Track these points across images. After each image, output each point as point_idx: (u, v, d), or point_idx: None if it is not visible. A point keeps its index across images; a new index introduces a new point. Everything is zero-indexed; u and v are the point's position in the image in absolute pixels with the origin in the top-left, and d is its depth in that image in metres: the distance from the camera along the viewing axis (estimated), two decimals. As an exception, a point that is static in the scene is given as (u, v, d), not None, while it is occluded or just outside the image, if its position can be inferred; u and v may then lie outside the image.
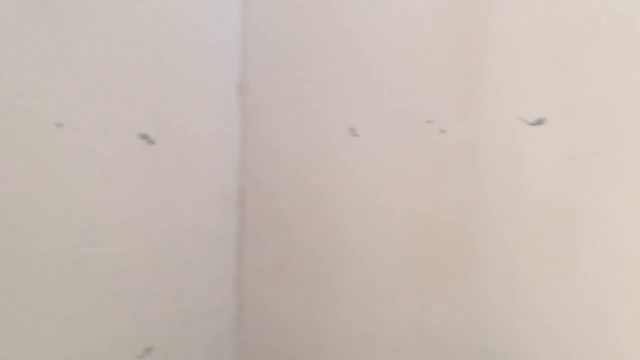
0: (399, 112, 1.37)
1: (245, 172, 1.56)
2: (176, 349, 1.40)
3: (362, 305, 1.41)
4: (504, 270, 1.26)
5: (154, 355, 1.34)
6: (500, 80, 1.27)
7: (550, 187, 1.22)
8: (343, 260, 1.44)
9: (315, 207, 1.47)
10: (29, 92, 1.18)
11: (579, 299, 1.19)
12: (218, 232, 1.52)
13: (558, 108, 1.21)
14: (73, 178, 1.24)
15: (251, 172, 1.55)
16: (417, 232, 1.35)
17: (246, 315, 1.54)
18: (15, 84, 1.16)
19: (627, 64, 1.15)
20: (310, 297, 1.46)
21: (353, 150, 1.42)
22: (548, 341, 1.21)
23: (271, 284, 1.51)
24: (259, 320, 1.52)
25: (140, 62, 1.33)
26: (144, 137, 1.32)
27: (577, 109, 1.20)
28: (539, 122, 1.23)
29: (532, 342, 1.23)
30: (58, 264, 1.24)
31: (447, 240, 1.32)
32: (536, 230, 1.23)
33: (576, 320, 1.19)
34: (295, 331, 1.48)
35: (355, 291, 1.41)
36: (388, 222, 1.38)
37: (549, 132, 1.22)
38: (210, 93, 1.50)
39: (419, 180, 1.35)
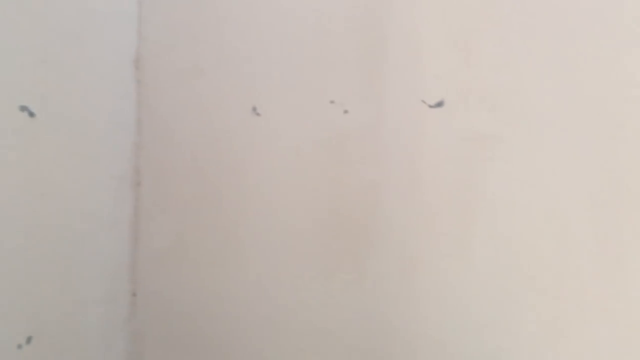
0: (302, 91, 1.34)
1: (140, 152, 1.48)
2: (63, 338, 1.32)
3: (262, 289, 1.38)
4: (403, 252, 1.26)
5: (34, 344, 1.25)
6: (402, 63, 1.27)
7: (449, 169, 1.24)
8: (243, 243, 1.40)
9: (215, 188, 1.41)
10: None
11: (475, 280, 1.21)
12: (110, 215, 1.43)
13: (457, 91, 1.23)
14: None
15: (147, 152, 1.47)
16: (318, 214, 1.33)
17: (140, 301, 1.47)
18: None
19: (525, 48, 1.17)
20: (208, 282, 1.42)
21: (255, 129, 1.38)
22: (445, 322, 1.23)
23: (167, 269, 1.45)
24: (154, 306, 1.45)
25: (22, 26, 1.22)
26: (24, 109, 1.21)
27: (475, 92, 1.22)
28: (439, 105, 1.24)
29: (429, 323, 1.24)
30: None
31: (348, 222, 1.31)
32: (435, 212, 1.24)
33: (472, 301, 1.21)
34: (192, 318, 1.42)
35: (256, 275, 1.38)
36: (289, 203, 1.36)
37: (448, 114, 1.24)
38: (102, 66, 1.41)
39: (321, 160, 1.33)
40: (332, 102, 1.32)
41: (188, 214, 1.44)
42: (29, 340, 1.25)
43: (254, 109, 1.38)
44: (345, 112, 1.31)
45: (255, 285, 1.38)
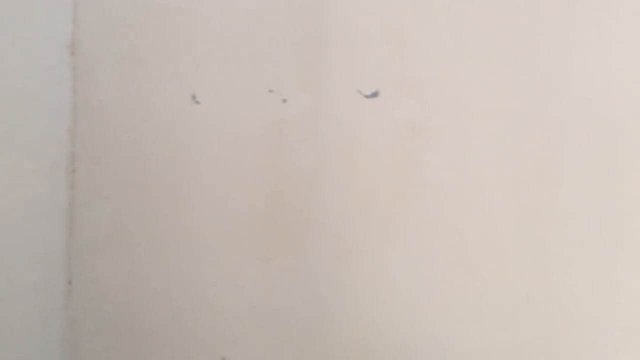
0: (241, 79, 1.36)
1: (76, 138, 1.46)
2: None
3: (201, 275, 1.39)
4: (340, 236, 1.31)
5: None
6: (339, 54, 1.31)
7: (384, 157, 1.29)
8: (181, 230, 1.41)
9: (152, 176, 1.42)
10: None
11: (407, 263, 1.27)
12: (45, 202, 1.41)
13: (391, 82, 1.28)
14: None
15: (83, 139, 1.46)
16: (257, 200, 1.36)
17: (75, 289, 1.45)
18: None
19: (454, 42, 1.24)
20: (144, 270, 1.42)
21: (194, 117, 1.39)
22: (380, 303, 1.29)
23: (103, 256, 1.44)
24: (89, 294, 1.44)
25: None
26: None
27: (408, 83, 1.27)
28: (374, 95, 1.29)
29: (365, 304, 1.29)
30: None
31: (286, 208, 1.35)
32: (370, 198, 1.30)
33: (405, 283, 1.27)
34: (128, 305, 1.42)
35: (195, 261, 1.39)
36: (228, 190, 1.38)
37: (382, 104, 1.29)
38: (36, 51, 1.38)
39: (260, 148, 1.36)
40: (270, 91, 1.35)
41: (125, 202, 1.44)
42: (-40, 329, 1.23)
43: (193, 96, 1.39)
44: (284, 101, 1.35)
45: (194, 272, 1.39)
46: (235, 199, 1.37)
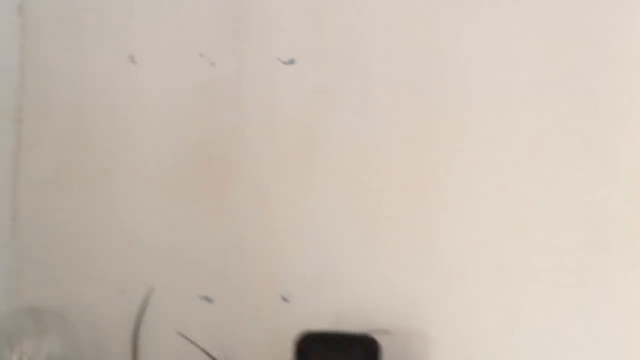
0: (175, 43, 1.54)
1: (23, 92, 1.61)
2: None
3: (133, 215, 1.54)
4: (257, 184, 1.49)
5: None
6: (262, 24, 1.49)
7: (297, 116, 1.48)
8: (116, 176, 1.56)
9: (92, 126, 1.57)
10: None
11: (315, 207, 1.45)
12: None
13: (306, 51, 1.47)
14: None
15: (30, 92, 1.61)
16: (185, 151, 1.53)
17: (19, 226, 1.60)
18: None
19: (362, 18, 1.43)
20: (83, 208, 1.57)
21: (131, 76, 1.56)
22: (290, 239, 1.46)
23: (45, 196, 1.59)
24: (32, 230, 1.59)
25: None
26: None
27: (320, 53, 1.47)
28: (291, 62, 1.48)
29: (278, 242, 1.47)
30: None
31: (211, 159, 1.51)
32: (284, 151, 1.48)
33: (311, 222, 1.45)
34: (67, 239, 1.57)
35: (127, 203, 1.55)
36: (159, 142, 1.54)
37: (298, 70, 1.48)
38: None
39: (190, 105, 1.53)
40: (201, 55, 1.52)
41: (65, 149, 1.59)
42: None
43: (131, 57, 1.56)
44: (212, 64, 1.52)
45: (126, 212, 1.55)
46: (165, 149, 1.54)
